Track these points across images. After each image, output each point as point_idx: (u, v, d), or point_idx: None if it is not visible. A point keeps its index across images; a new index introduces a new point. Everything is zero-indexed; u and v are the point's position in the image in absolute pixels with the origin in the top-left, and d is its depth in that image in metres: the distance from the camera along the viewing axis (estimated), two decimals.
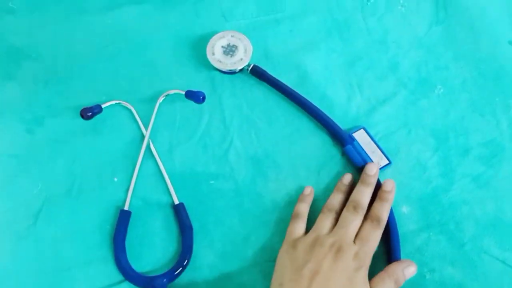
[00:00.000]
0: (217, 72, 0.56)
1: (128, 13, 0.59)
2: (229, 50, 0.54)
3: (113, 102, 0.53)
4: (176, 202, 0.49)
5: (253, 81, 0.56)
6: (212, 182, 0.50)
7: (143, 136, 0.51)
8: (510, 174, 0.50)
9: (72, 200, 0.49)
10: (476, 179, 0.50)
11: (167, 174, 0.50)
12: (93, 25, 0.58)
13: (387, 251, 0.46)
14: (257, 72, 0.55)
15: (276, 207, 0.49)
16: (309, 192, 0.48)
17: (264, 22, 0.59)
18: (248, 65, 0.55)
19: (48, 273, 0.46)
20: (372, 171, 0.47)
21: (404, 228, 0.47)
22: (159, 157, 0.51)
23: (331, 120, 0.52)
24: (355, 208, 0.45)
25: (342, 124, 0.53)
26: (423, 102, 0.54)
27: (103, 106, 0.52)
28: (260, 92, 0.55)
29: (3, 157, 0.50)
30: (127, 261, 0.46)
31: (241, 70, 0.55)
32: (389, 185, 0.46)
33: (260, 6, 0.60)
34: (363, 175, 0.47)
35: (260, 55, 0.57)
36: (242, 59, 0.54)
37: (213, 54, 0.54)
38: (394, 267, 0.43)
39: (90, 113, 0.50)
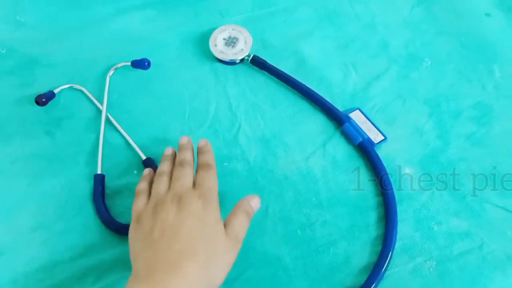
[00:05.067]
0: (220, 64, 0.60)
1: (133, 19, 0.63)
2: (230, 41, 0.58)
3: (66, 86, 0.57)
4: (144, 157, 0.52)
5: (253, 70, 0.59)
6: (226, 163, 0.53)
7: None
8: (500, 131, 0.54)
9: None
10: (469, 138, 0.54)
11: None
12: (100, 32, 0.62)
13: (385, 216, 0.49)
14: (257, 62, 0.59)
15: (288, 180, 0.52)
16: (148, 173, 0.49)
17: (259, 16, 0.64)
18: (249, 55, 0.59)
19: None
20: (182, 141, 0.50)
21: (409, 188, 0.51)
22: (118, 124, 0.55)
23: (328, 102, 0.56)
24: (182, 164, 0.46)
25: (341, 101, 0.57)
26: (414, 75, 0.59)
27: (55, 91, 0.56)
28: (261, 80, 0.59)
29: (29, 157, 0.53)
30: (109, 214, 0.49)
31: (241, 61, 0.59)
32: (201, 142, 0.50)
33: (254, 1, 0.64)
34: (178, 148, 0.50)
35: (259, 45, 0.61)
36: (242, 49, 0.58)
37: (216, 45, 0.58)
38: (241, 202, 0.45)
39: (44, 99, 0.54)
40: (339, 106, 0.56)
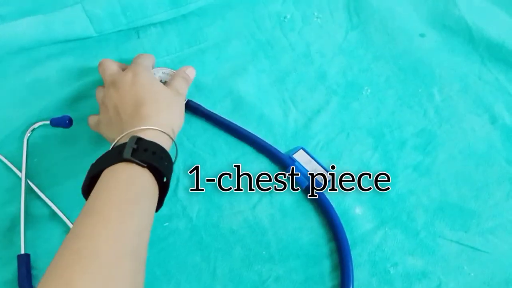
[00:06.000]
0: None
1: (49, 69, 0.57)
2: None
3: None
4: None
5: (189, 116, 0.55)
6: (166, 224, 0.49)
7: None
8: (446, 158, 0.53)
9: None
10: (416, 168, 0.52)
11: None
12: (14, 87, 0.56)
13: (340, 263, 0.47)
14: (191, 107, 0.55)
15: (235, 234, 0.49)
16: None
17: (189, 54, 0.60)
18: None
19: None
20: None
21: (361, 229, 0.49)
22: (41, 192, 0.50)
23: (270, 145, 0.53)
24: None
25: (284, 141, 0.54)
26: (355, 105, 0.57)
27: None
28: (198, 125, 0.55)
29: None
30: None
31: None
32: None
33: (182, 39, 0.60)
34: None
35: (192, 88, 0.56)
36: None
37: None
38: (177, 71, 0.54)
39: None
40: (282, 146, 0.53)
